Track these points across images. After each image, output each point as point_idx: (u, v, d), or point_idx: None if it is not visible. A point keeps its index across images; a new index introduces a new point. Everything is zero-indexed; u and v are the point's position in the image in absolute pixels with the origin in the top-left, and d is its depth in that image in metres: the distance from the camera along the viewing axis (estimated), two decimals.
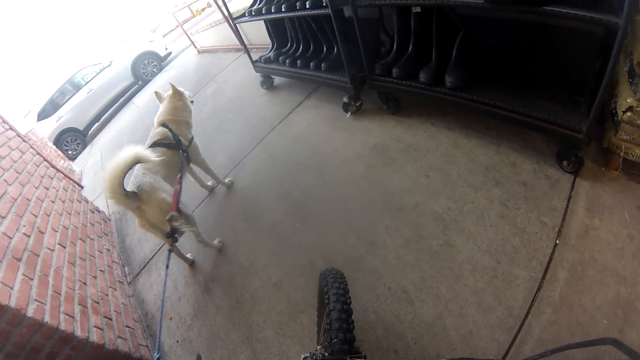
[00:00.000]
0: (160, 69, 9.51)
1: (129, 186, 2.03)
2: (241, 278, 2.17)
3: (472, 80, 2.08)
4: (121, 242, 3.37)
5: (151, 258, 2.83)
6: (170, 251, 1.77)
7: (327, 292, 1.25)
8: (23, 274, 1.80)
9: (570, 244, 1.50)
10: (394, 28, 2.45)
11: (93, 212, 3.59)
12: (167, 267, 1.60)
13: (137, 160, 1.93)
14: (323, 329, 1.21)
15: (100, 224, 3.51)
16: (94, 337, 1.88)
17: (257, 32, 4.85)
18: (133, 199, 1.98)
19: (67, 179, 5.17)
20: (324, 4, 2.43)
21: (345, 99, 2.84)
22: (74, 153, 8.36)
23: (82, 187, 5.72)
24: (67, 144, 8.35)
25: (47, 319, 1.66)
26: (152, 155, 2.00)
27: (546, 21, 1.72)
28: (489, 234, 1.67)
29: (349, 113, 2.88)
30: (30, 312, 1.60)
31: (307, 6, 2.62)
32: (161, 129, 2.49)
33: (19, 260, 1.89)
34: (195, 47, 8.27)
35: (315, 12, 2.57)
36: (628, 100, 1.46)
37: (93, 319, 2.02)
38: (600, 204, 1.58)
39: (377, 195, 2.15)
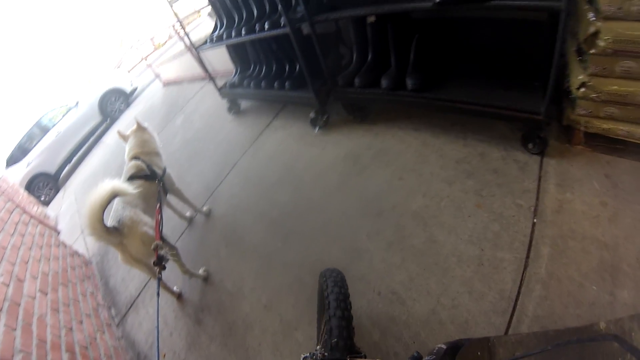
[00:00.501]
0: (128, 105, 9.43)
1: (110, 221, 2.00)
2: (230, 304, 2.11)
3: (433, 80, 2.16)
4: (105, 283, 3.24)
5: (137, 296, 2.73)
6: (159, 279, 1.72)
7: (326, 291, 1.26)
8: (5, 324, 1.75)
9: (548, 220, 1.52)
10: (352, 39, 2.53)
11: (72, 256, 3.49)
12: (158, 294, 1.54)
13: (115, 194, 1.90)
14: (323, 328, 1.21)
15: (82, 267, 3.41)
16: None
17: (220, 59, 4.90)
18: (114, 234, 1.94)
19: (42, 224, 5.00)
20: (282, 24, 2.51)
21: (312, 115, 2.88)
22: (47, 198, 8.05)
23: (58, 232, 5.52)
24: (39, 190, 8.01)
25: None
26: (130, 188, 1.99)
27: (496, 15, 1.82)
28: (468, 224, 1.68)
29: (317, 128, 2.91)
30: None
31: (266, 28, 2.67)
32: (134, 162, 2.46)
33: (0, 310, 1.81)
34: (161, 80, 8.25)
35: (275, 32, 2.63)
36: (580, 77, 1.53)
37: None
38: (570, 178, 1.63)
39: (354, 203, 2.15)
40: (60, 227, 5.76)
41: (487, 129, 2.07)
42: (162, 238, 1.95)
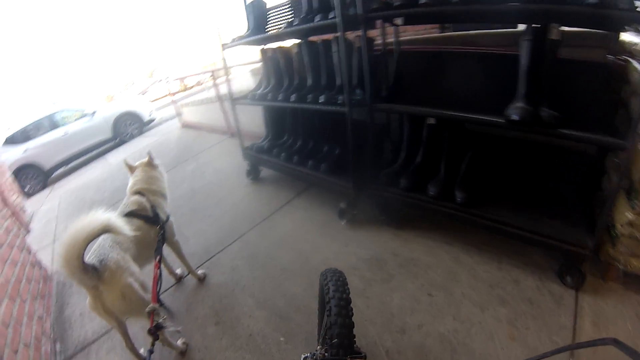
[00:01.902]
0: (141, 133, 10.42)
1: (89, 257, 1.90)
2: None
3: (479, 195, 2.39)
4: (59, 309, 3.13)
5: (93, 342, 2.64)
6: (151, 352, 1.63)
7: (327, 291, 1.37)
8: None
9: None
10: (404, 136, 2.81)
11: (33, 267, 3.33)
12: (152, 350, 1.53)
13: (107, 230, 1.83)
14: (323, 329, 1.29)
15: (39, 283, 3.22)
16: None
17: (249, 119, 5.28)
18: (91, 275, 1.82)
19: (14, 217, 4.97)
20: (340, 102, 2.75)
21: (342, 205, 3.02)
22: (32, 191, 8.77)
23: (28, 232, 5.69)
24: (26, 179, 8.75)
25: None
26: (127, 228, 1.91)
27: (551, 141, 2.14)
28: (500, 357, 1.76)
29: (345, 220, 3.05)
30: None
31: (320, 101, 2.92)
32: (137, 197, 2.44)
33: None
34: (180, 120, 8.96)
35: (330, 108, 2.84)
36: (627, 215, 1.76)
37: None
38: (604, 317, 1.78)
39: (375, 314, 2.20)
40: (32, 226, 5.96)
41: (521, 255, 2.26)
42: (159, 300, 1.90)
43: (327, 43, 3.04)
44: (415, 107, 2.45)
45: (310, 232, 3.11)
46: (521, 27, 2.28)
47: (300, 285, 2.58)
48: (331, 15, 2.58)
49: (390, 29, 3.00)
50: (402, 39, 3.06)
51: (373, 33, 2.92)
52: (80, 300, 3.05)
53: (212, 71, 6.48)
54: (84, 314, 2.91)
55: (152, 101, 12.93)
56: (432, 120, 2.56)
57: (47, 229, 5.49)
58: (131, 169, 2.71)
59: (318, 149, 3.49)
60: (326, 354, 1.18)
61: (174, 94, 9.65)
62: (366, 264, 2.58)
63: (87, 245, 1.75)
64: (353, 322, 1.29)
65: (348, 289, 1.42)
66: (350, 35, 2.66)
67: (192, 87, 14.08)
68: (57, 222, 5.80)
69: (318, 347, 1.30)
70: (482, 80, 2.38)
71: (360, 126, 2.75)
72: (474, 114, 2.13)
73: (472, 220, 2.32)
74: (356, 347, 1.24)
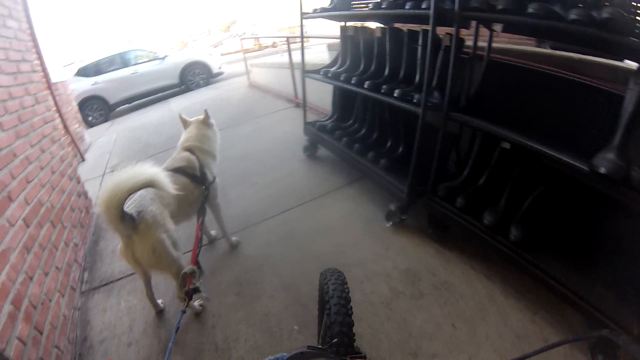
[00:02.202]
0: (207, 84, 11.03)
1: (128, 205, 1.97)
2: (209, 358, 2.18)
3: (536, 238, 2.24)
4: (94, 241, 3.39)
5: (117, 280, 2.86)
6: (183, 312, 1.69)
7: (327, 291, 1.42)
8: None
9: None
10: (472, 153, 2.68)
11: (79, 196, 3.57)
12: (177, 330, 1.54)
13: (151, 185, 1.90)
14: (323, 328, 1.34)
15: (81, 212, 3.46)
16: (11, 352, 1.72)
17: (318, 93, 5.26)
18: (127, 225, 1.91)
19: (73, 145, 5.55)
20: (415, 101, 2.63)
21: (392, 207, 2.97)
22: (94, 121, 9.83)
23: (83, 160, 6.32)
24: (91, 110, 9.82)
25: None
26: (171, 187, 1.98)
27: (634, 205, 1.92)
28: None
29: (390, 223, 3.01)
30: None
31: (395, 95, 2.81)
32: (187, 154, 2.51)
33: None
34: (249, 78, 9.17)
35: (403, 104, 2.73)
36: None
37: (20, 328, 1.87)
38: None
39: (393, 329, 2.20)
40: (87, 156, 6.55)
41: (559, 313, 2.11)
42: (197, 263, 1.96)
43: (413, 34, 2.93)
44: (493, 127, 2.28)
45: (354, 225, 3.10)
46: (631, 63, 2.01)
47: None
48: (424, 5, 2.46)
49: (483, 31, 2.78)
50: (494, 45, 2.83)
51: (464, 33, 2.72)
52: (115, 238, 3.24)
53: (288, 37, 6.50)
54: (115, 251, 3.04)
55: (222, 54, 13.46)
56: (506, 145, 2.40)
57: (100, 162, 5.96)
58: (185, 124, 2.75)
59: (381, 142, 3.43)
60: None
61: (247, 51, 9.86)
62: (401, 275, 2.55)
63: (129, 195, 1.84)
64: (353, 321, 1.33)
65: (347, 288, 1.46)
66: (440, 31, 2.51)
67: (265, 47, 14.40)
68: (110, 156, 6.31)
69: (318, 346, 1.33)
70: (574, 114, 2.17)
71: (429, 130, 2.65)
72: (556, 151, 1.95)
73: (520, 264, 2.20)
74: (356, 347, 1.26)
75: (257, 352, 2.15)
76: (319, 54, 6.57)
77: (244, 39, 11.42)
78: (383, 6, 2.80)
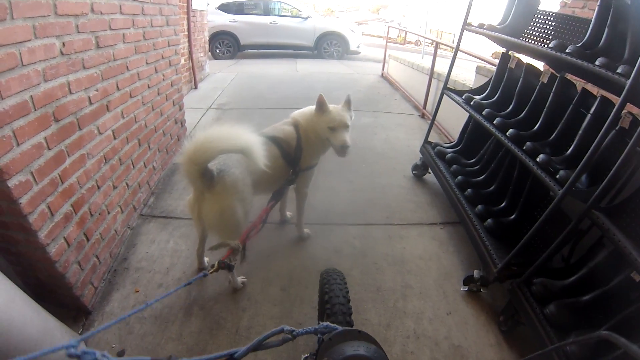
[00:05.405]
0: (340, 58, 11.28)
1: (212, 162, 1.89)
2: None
3: None
4: (172, 170, 3.51)
5: (176, 218, 2.96)
6: (205, 275, 1.52)
7: (327, 291, 1.51)
8: (45, 138, 1.74)
9: None
10: (592, 265, 2.16)
11: (176, 123, 3.72)
12: (188, 283, 1.40)
13: (245, 153, 1.81)
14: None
15: (171, 139, 3.62)
16: (53, 250, 1.77)
17: (449, 113, 4.95)
18: (206, 181, 1.86)
19: (191, 71, 6.10)
20: (558, 177, 2.19)
21: (475, 273, 2.62)
22: (220, 54, 10.63)
23: (195, 88, 6.72)
24: (221, 45, 10.58)
25: (14, 183, 1.54)
26: (262, 160, 1.85)
27: None
28: None
29: (466, 288, 2.67)
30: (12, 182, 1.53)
31: (538, 160, 2.35)
32: (292, 129, 2.39)
33: (57, 120, 1.84)
34: (383, 69, 8.95)
35: (541, 174, 2.29)
36: None
37: (70, 230, 1.94)
38: None
39: None
40: (200, 85, 6.94)
41: None
42: (244, 245, 1.86)
43: (587, 97, 2.46)
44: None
45: (428, 272, 2.81)
46: None
47: (380, 317, 2.40)
48: (620, 69, 1.91)
49: None
50: None
51: None
52: None
53: (437, 42, 6.11)
54: (187, 189, 3.09)
55: (364, 34, 13.58)
56: (638, 277, 1.78)
57: (210, 95, 6.19)
58: (321, 103, 2.41)
59: (496, 198, 3.03)
60: None
61: (390, 40, 9.62)
62: (449, 349, 2.24)
63: (217, 155, 1.81)
64: (352, 321, 1.42)
65: (347, 288, 1.54)
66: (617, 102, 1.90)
67: (408, 42, 14.12)
68: (222, 92, 6.56)
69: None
70: None
71: (556, 214, 2.21)
72: None
73: None
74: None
75: (271, 356, 2.00)
76: (462, 70, 6.13)
77: (392, 27, 11.15)
78: (568, 50, 2.29)
